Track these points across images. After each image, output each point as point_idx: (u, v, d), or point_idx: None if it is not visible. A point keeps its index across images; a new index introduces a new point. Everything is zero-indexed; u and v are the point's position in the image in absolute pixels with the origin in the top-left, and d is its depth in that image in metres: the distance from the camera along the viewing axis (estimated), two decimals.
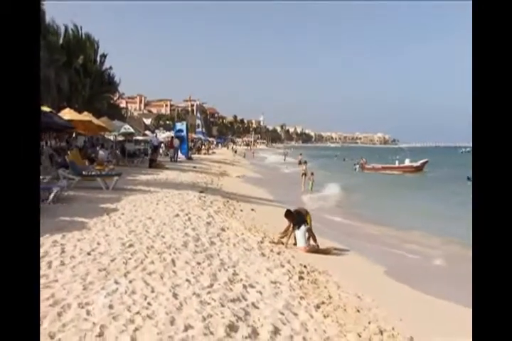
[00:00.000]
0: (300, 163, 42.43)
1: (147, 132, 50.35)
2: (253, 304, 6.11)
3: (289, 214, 11.12)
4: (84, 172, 16.48)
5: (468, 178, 33.55)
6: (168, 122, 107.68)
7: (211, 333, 4.93)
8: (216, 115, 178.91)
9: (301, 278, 7.91)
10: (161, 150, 43.45)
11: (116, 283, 6.35)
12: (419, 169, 48.84)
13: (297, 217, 10.98)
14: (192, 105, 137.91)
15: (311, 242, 10.72)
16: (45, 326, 4.79)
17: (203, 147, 68.10)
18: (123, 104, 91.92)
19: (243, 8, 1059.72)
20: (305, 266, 8.82)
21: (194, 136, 70.06)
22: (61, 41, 38.35)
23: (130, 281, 6.45)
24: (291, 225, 10.88)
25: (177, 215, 12.20)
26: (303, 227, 10.71)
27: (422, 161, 50.68)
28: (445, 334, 6.13)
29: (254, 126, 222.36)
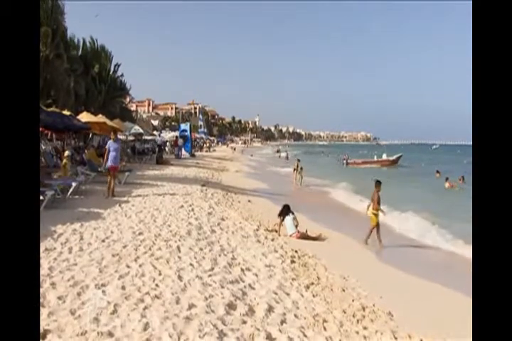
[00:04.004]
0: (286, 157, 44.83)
1: (155, 132, 50.27)
2: (250, 285, 6.13)
3: (281, 209, 11.11)
4: (99, 169, 16.42)
5: (437, 171, 33.95)
6: (173, 123, 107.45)
7: (212, 311, 4.94)
8: (216, 116, 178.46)
9: (292, 261, 7.92)
10: (166, 149, 43.35)
11: (128, 267, 6.36)
12: (394, 162, 49.44)
13: (283, 209, 11.00)
14: (195, 108, 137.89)
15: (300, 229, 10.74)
16: (67, 304, 4.84)
17: (205, 145, 67.87)
18: (133, 108, 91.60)
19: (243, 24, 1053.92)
20: (296, 251, 8.82)
21: (197, 135, 69.76)
22: (80, 52, 38.18)
23: (140, 265, 6.46)
24: (280, 217, 10.91)
25: (181, 206, 12.19)
26: (288, 217, 10.76)
27: (396, 156, 51.44)
28: (420, 308, 6.16)
29: (250, 126, 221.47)
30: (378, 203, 10.73)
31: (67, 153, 15.01)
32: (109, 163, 13.45)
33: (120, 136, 32.99)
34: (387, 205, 15.94)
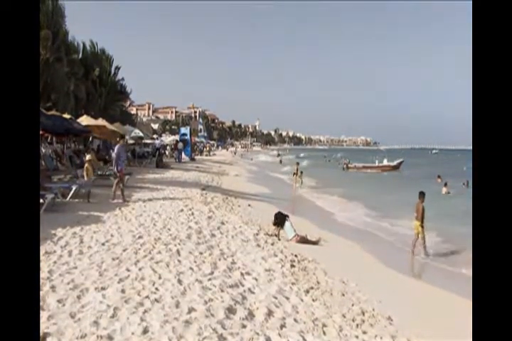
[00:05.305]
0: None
1: (155, 136, 50.27)
2: (249, 289, 6.13)
3: (274, 218, 11.06)
4: (99, 172, 16.46)
5: (439, 176, 33.86)
6: (173, 127, 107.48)
7: (212, 315, 4.95)
8: (216, 120, 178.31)
9: (292, 266, 7.92)
10: (166, 152, 43.33)
11: (128, 270, 6.37)
12: (396, 168, 49.04)
13: (279, 218, 10.96)
14: (195, 112, 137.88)
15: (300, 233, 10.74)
16: (67, 307, 4.85)
17: (205, 149, 67.83)
18: (133, 111, 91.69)
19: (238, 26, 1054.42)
20: (296, 255, 8.82)
21: (197, 139, 69.65)
22: (80, 56, 38.21)
23: (140, 269, 6.47)
24: (277, 226, 10.87)
25: (181, 210, 12.19)
26: (287, 223, 10.75)
27: (398, 161, 50.99)
28: (419, 313, 6.16)
29: (250, 130, 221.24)
30: (423, 214, 10.77)
31: (88, 156, 14.96)
32: (119, 167, 13.58)
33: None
34: (384, 212, 16.07)
